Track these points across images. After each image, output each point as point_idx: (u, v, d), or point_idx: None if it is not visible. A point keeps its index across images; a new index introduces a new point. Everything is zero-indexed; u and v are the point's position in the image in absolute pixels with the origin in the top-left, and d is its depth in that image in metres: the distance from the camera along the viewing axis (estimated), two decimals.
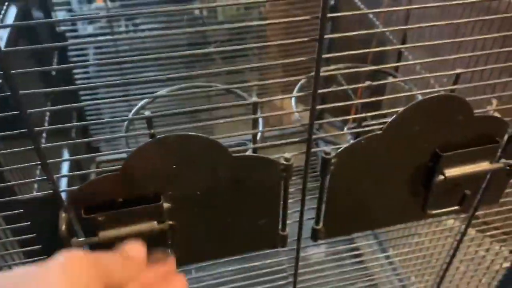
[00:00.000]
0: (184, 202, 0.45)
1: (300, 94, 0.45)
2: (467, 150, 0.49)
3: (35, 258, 0.45)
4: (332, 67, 0.76)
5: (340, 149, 0.46)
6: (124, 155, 0.42)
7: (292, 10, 1.27)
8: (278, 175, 0.46)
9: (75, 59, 1.16)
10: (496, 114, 0.62)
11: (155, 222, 0.43)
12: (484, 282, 0.91)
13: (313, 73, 0.40)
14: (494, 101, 0.62)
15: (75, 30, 1.24)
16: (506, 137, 0.51)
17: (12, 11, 0.78)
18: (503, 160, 0.52)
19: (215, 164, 0.43)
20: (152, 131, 0.39)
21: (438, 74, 0.46)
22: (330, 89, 0.40)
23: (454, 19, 0.44)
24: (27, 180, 0.40)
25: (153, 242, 0.40)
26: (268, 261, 0.65)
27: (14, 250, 0.42)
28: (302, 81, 0.54)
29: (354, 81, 0.74)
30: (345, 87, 0.44)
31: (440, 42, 0.44)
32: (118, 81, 0.41)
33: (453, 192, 0.54)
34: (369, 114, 0.46)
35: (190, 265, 0.73)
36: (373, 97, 0.57)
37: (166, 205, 0.44)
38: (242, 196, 0.47)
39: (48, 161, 0.39)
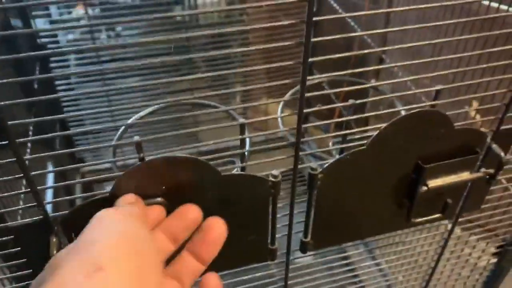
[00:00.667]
0: None
1: (288, 98, 0.46)
2: (449, 162, 0.51)
3: (26, 283, 0.44)
4: (317, 76, 0.77)
5: (326, 165, 0.47)
6: (108, 165, 0.43)
7: (274, 17, 1.28)
8: (266, 192, 0.47)
9: (57, 70, 1.16)
10: (477, 116, 0.64)
11: None
12: (472, 279, 0.94)
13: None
14: (475, 103, 0.64)
15: (57, 42, 1.23)
16: (485, 147, 0.52)
17: None
18: (483, 170, 0.54)
19: (203, 183, 0.44)
20: (142, 154, 0.40)
21: (419, 91, 0.47)
22: (316, 93, 0.41)
23: (435, 30, 0.45)
24: (15, 208, 0.40)
25: None
26: (259, 274, 0.66)
27: (4, 276, 0.42)
28: (295, 88, 0.55)
29: (337, 87, 0.75)
30: (330, 91, 0.45)
31: (421, 44, 0.45)
32: (100, 88, 0.42)
33: (435, 200, 0.56)
34: (353, 130, 0.47)
35: None
36: (356, 102, 0.58)
37: None
38: (231, 213, 0.48)
39: (32, 173, 0.39)
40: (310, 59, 0.39)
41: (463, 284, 0.94)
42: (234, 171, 0.48)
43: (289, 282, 0.62)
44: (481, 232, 0.82)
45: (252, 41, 1.42)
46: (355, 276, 0.93)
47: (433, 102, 0.47)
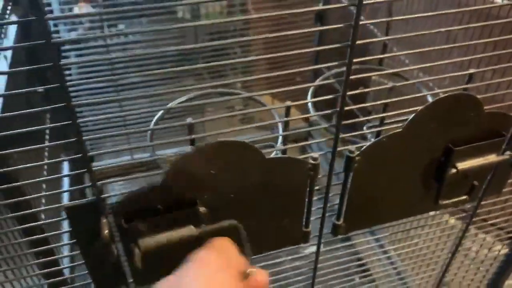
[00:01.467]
0: (218, 205, 0.46)
1: (321, 83, 0.48)
2: (477, 144, 0.53)
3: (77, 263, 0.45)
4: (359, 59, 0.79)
5: (363, 147, 0.49)
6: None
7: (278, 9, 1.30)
8: (306, 174, 0.48)
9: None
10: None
11: (192, 227, 0.45)
12: (480, 275, 0.95)
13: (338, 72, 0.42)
14: None
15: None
16: (511, 130, 0.54)
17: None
18: (508, 152, 0.56)
19: (248, 166, 0.45)
20: (193, 136, 0.41)
21: (452, 74, 0.49)
22: (358, 91, 0.42)
23: (440, 17, 0.47)
24: (72, 188, 0.41)
25: (189, 247, 0.42)
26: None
27: (60, 256, 0.43)
28: (317, 82, 0.56)
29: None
30: (371, 88, 0.47)
31: (423, 33, 0.46)
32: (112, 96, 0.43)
33: (462, 183, 0.58)
34: (391, 113, 0.49)
35: None
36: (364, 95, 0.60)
37: (202, 209, 0.45)
38: (270, 195, 0.49)
39: (93, 168, 0.40)
40: (357, 42, 0.40)
41: (474, 275, 0.96)
42: (273, 155, 0.50)
43: (313, 274, 0.63)
44: (492, 230, 0.83)
45: (252, 33, 1.43)
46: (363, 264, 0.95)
47: (466, 86, 0.49)
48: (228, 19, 1.39)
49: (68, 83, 0.35)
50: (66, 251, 0.55)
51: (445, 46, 0.49)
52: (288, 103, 0.45)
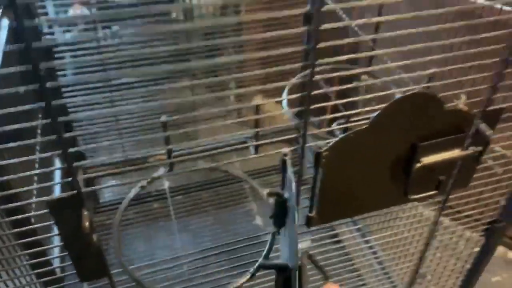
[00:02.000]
0: None
1: (295, 81, 0.51)
2: (441, 140, 0.56)
3: (61, 255, 0.48)
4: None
5: (330, 143, 0.52)
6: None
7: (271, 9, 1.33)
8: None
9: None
10: (464, 108, 0.69)
11: None
12: (459, 266, 0.98)
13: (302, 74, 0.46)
14: (463, 96, 0.69)
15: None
16: (473, 127, 0.57)
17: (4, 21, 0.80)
18: (472, 148, 0.59)
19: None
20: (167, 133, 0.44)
21: (413, 74, 0.52)
22: (321, 90, 0.45)
23: (426, 21, 0.50)
24: (51, 183, 0.44)
25: None
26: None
27: (48, 247, 0.46)
28: (293, 80, 0.59)
29: (330, 80, 0.80)
30: (334, 88, 0.50)
31: (410, 31, 0.50)
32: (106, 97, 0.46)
33: (430, 178, 0.61)
34: (358, 110, 0.52)
35: None
36: (346, 92, 0.63)
37: None
38: None
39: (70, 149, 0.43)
40: (318, 45, 0.43)
41: (454, 265, 0.99)
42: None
43: None
44: (468, 222, 0.86)
45: (245, 33, 1.45)
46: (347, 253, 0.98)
47: (427, 84, 0.52)
48: (221, 20, 1.42)
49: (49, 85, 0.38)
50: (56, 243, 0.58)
51: (417, 46, 0.52)
52: (258, 101, 0.48)
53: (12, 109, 0.40)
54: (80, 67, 1.28)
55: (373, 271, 1.09)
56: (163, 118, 0.42)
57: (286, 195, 0.52)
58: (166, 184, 1.41)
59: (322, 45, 0.44)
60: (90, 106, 1.27)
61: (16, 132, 0.40)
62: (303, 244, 1.11)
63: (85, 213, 0.46)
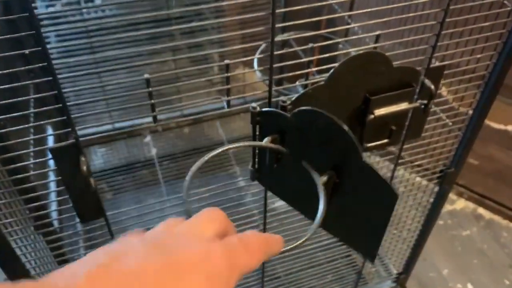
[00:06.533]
0: None
1: (261, 55, 0.58)
2: (390, 94, 0.64)
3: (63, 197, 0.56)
4: (285, 34, 0.90)
5: (293, 98, 0.60)
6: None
7: None
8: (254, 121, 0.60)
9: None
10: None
11: None
12: (418, 215, 1.07)
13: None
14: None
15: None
16: (419, 82, 0.66)
17: None
18: (419, 101, 0.68)
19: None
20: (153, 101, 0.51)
21: (364, 35, 0.60)
22: (283, 51, 0.53)
23: None
24: (53, 133, 0.51)
25: None
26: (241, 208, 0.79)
27: (47, 191, 0.54)
28: (263, 46, 0.67)
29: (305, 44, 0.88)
30: (296, 48, 0.58)
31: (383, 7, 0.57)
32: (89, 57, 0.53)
33: (383, 129, 0.70)
34: (314, 69, 0.60)
35: None
36: (323, 59, 0.71)
37: None
38: None
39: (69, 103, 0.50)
40: (278, 25, 0.51)
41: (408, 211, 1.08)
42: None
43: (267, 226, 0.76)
44: (426, 174, 0.94)
45: (226, 8, 1.51)
46: None
47: (375, 45, 0.60)
48: None
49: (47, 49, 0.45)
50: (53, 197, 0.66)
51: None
52: (227, 61, 0.56)
53: (15, 69, 0.47)
54: (65, 40, 1.33)
55: None
56: (146, 75, 0.50)
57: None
58: (153, 151, 1.50)
59: (281, 10, 0.51)
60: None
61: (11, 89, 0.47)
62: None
63: (83, 159, 0.54)
